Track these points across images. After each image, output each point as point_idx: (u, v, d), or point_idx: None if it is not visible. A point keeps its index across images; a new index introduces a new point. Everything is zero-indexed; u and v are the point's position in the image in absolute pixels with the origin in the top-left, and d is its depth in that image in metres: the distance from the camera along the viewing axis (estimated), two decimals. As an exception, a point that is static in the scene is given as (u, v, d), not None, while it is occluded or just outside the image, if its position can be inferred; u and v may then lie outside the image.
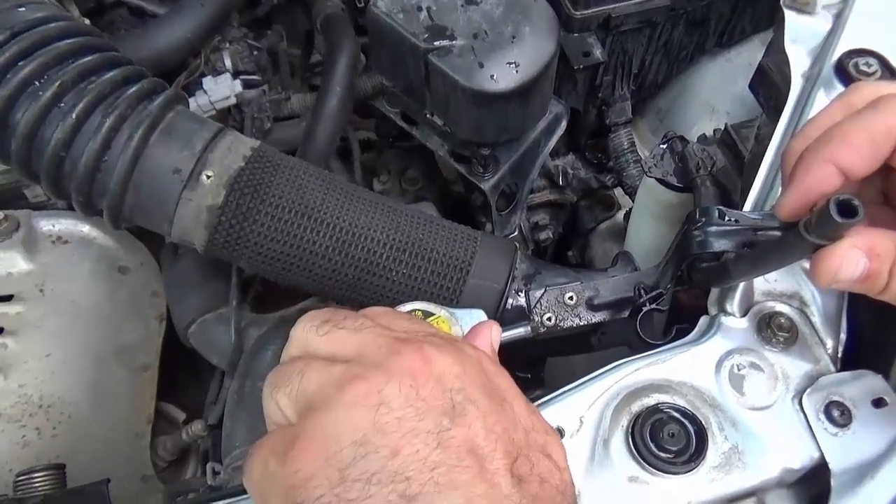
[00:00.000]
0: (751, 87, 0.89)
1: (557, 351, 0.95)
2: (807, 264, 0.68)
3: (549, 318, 0.81)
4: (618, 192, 1.32)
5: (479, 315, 0.60)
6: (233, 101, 1.06)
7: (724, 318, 0.68)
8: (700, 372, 0.65)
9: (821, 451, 0.60)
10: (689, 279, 0.73)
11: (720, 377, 0.65)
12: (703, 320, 0.70)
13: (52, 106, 0.73)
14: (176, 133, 0.78)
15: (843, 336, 0.67)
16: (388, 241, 0.82)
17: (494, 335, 0.54)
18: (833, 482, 0.59)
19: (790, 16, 0.84)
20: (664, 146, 0.97)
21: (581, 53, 1.10)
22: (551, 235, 1.27)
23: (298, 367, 0.44)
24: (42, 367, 0.97)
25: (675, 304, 0.78)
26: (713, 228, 0.61)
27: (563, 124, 1.08)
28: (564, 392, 0.64)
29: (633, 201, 1.17)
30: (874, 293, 0.52)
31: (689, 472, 0.59)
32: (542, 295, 0.82)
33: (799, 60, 0.81)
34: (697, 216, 0.63)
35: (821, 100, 0.76)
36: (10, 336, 0.95)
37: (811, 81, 0.79)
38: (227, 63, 1.08)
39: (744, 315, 0.68)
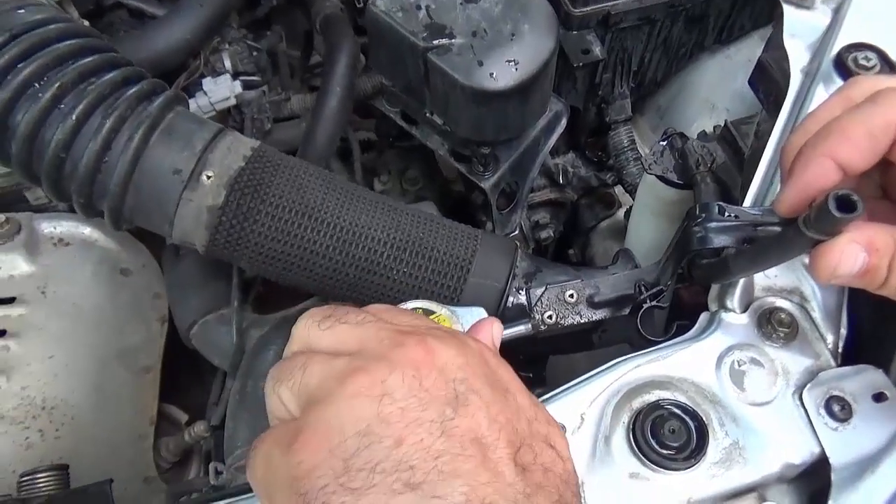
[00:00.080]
0: (750, 82, 0.89)
1: (558, 349, 0.95)
2: (807, 259, 0.68)
3: (550, 316, 0.81)
4: (618, 189, 1.31)
5: (479, 313, 0.60)
6: (233, 101, 1.06)
7: (724, 314, 0.68)
8: (701, 368, 0.65)
9: (821, 445, 0.60)
10: (689, 276, 0.73)
11: (721, 373, 0.65)
12: (703, 316, 0.70)
13: (52, 108, 0.73)
14: (176, 134, 0.79)
15: (843, 331, 0.67)
16: (388, 241, 0.82)
17: (496, 332, 0.54)
18: (833, 477, 0.59)
19: (789, 11, 0.84)
20: (664, 143, 0.97)
21: (580, 51, 1.10)
22: (552, 234, 1.27)
23: (301, 361, 0.44)
24: (45, 369, 0.97)
25: (676, 301, 0.78)
26: (713, 224, 0.61)
27: (563, 122, 1.08)
28: (566, 389, 0.64)
29: (633, 199, 1.17)
30: (873, 288, 0.52)
31: (689, 467, 0.60)
32: (543, 293, 0.82)
33: (798, 55, 0.81)
34: (697, 212, 0.63)
35: (820, 94, 0.76)
36: (13, 338, 0.95)
37: (810, 76, 0.79)
38: (227, 64, 1.08)
39: (744, 311, 0.68)
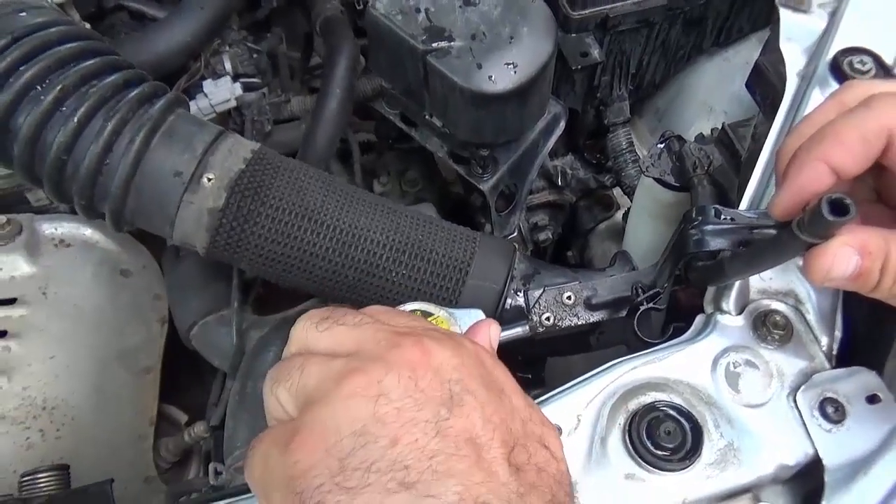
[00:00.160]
0: (747, 85, 0.89)
1: (556, 350, 0.96)
2: (801, 262, 0.68)
3: (548, 318, 0.82)
4: (616, 192, 1.32)
5: (477, 315, 0.60)
6: (233, 103, 1.07)
7: (720, 317, 0.69)
8: (696, 370, 0.66)
9: (815, 447, 0.61)
10: (685, 278, 0.74)
11: (716, 375, 0.65)
12: (699, 319, 0.71)
13: (53, 110, 0.73)
14: (177, 136, 0.79)
15: (837, 333, 0.68)
16: (387, 243, 0.82)
17: (493, 333, 0.54)
18: (827, 478, 0.59)
19: (785, 14, 0.85)
20: (662, 146, 0.98)
21: (579, 54, 1.10)
22: (550, 236, 1.28)
23: (298, 362, 0.45)
24: (45, 369, 0.97)
25: (673, 303, 0.78)
26: (709, 227, 0.62)
27: (562, 125, 1.09)
28: (562, 391, 0.65)
29: (631, 201, 1.18)
30: (866, 291, 0.52)
31: (685, 469, 0.60)
32: (541, 295, 0.83)
33: (794, 59, 0.82)
34: (694, 215, 0.63)
35: (816, 98, 0.76)
36: (14, 339, 0.95)
37: (806, 80, 0.79)
38: (227, 66, 1.08)
39: (739, 313, 0.69)
